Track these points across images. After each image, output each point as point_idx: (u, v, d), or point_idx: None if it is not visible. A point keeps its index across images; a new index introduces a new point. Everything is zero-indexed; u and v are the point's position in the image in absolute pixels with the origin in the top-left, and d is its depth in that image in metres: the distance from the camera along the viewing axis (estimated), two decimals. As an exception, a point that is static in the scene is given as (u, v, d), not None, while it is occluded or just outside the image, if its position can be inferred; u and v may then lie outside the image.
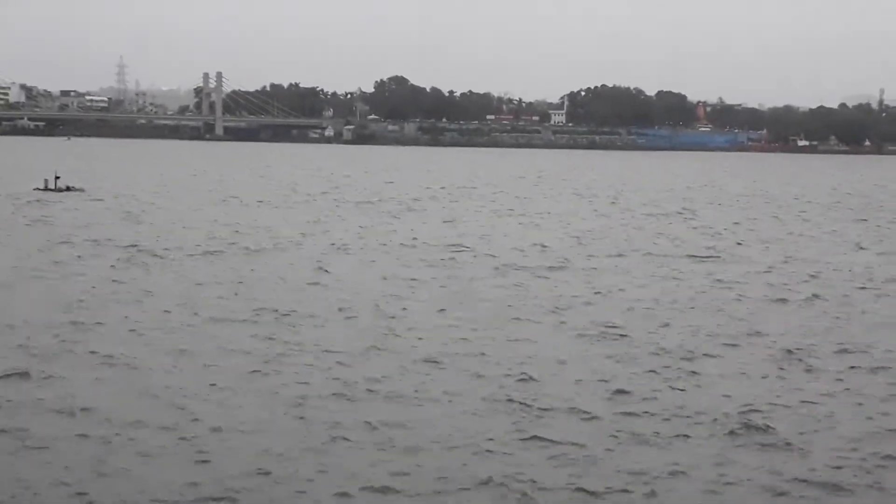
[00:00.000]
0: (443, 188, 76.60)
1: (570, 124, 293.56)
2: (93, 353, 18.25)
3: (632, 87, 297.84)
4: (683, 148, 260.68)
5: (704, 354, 19.64)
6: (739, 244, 40.35)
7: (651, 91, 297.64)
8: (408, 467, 12.88)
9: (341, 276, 28.45)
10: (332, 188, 73.60)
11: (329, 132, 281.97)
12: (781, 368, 18.69)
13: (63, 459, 12.77)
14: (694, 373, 18.11)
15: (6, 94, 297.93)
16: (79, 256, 31.59)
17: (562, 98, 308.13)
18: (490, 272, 30.05)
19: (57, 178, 61.01)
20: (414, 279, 28.15)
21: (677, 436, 14.47)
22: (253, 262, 31.13)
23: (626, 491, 12.37)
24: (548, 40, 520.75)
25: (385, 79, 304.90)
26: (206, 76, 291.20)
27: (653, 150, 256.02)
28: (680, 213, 56.61)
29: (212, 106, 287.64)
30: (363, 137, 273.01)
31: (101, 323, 20.95)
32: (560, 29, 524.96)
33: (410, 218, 49.09)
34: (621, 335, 21.20)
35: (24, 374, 16.64)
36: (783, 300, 26.29)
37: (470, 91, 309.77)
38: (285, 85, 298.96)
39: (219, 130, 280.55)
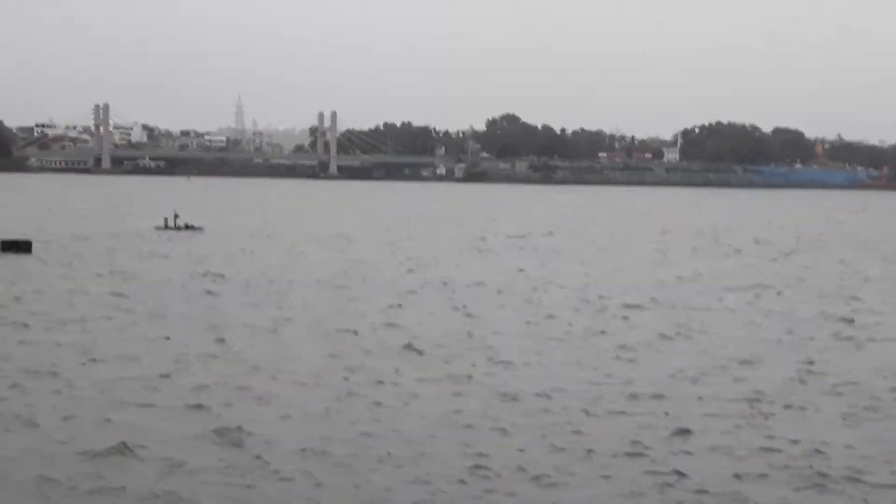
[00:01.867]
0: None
1: (684, 162, 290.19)
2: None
3: (747, 124, 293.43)
4: (801, 186, 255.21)
5: None
6: None
7: (767, 128, 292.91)
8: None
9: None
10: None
11: (441, 170, 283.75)
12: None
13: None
14: None
15: (128, 134, 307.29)
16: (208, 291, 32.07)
17: (675, 135, 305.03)
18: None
19: (176, 216, 62.32)
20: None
21: None
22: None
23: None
24: (661, 76, 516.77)
25: (497, 117, 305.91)
26: (321, 115, 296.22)
27: (769, 187, 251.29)
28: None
29: (326, 145, 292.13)
30: (475, 175, 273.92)
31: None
32: (673, 65, 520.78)
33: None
34: None
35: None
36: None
37: (581, 128, 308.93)
38: (398, 124, 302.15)
39: (333, 169, 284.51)
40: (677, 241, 64.72)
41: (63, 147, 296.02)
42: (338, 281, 36.50)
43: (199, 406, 17.40)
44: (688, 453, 15.42)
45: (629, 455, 15.24)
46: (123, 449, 14.68)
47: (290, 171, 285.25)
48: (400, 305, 30.66)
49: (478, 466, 14.43)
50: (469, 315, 28.74)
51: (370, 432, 16.04)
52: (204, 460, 14.43)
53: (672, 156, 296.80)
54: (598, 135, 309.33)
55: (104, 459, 14.35)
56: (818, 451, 15.64)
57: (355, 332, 25.18)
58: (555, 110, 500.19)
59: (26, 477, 13.55)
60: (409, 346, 23.30)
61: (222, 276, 37.08)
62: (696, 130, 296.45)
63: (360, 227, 70.43)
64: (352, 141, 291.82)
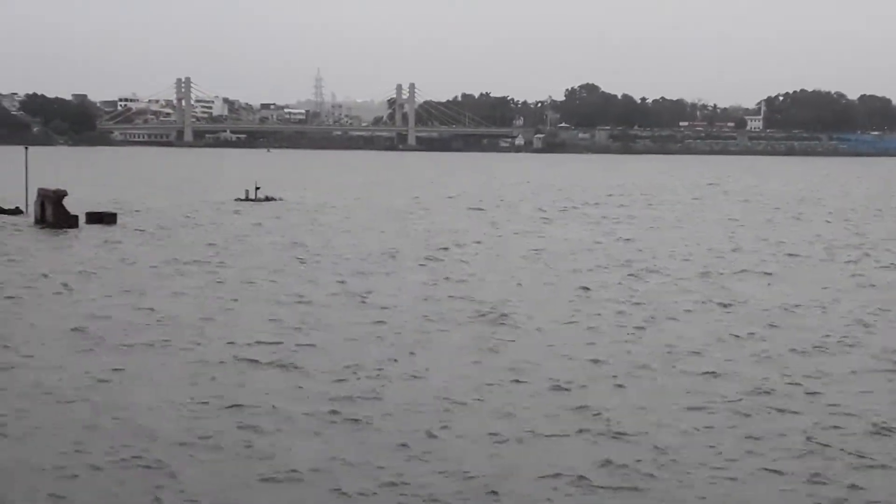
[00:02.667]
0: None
1: (768, 130, 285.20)
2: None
3: (832, 91, 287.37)
4: (888, 154, 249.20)
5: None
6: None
7: (853, 95, 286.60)
8: None
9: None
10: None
11: (519, 141, 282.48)
12: None
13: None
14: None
15: (210, 107, 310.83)
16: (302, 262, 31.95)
17: (758, 103, 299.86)
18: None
19: (257, 188, 62.59)
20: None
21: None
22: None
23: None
24: (743, 44, 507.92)
25: (576, 86, 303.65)
26: (399, 87, 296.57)
27: (855, 155, 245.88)
28: None
29: (404, 117, 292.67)
30: (553, 146, 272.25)
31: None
32: (756, 32, 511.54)
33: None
34: None
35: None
36: None
37: (662, 97, 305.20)
38: (476, 94, 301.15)
39: (411, 141, 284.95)
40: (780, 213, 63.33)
41: (146, 121, 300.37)
42: (432, 253, 36.20)
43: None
44: None
45: None
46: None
47: (368, 143, 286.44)
48: (517, 283, 30.25)
49: None
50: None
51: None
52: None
53: (755, 124, 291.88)
54: (680, 103, 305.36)
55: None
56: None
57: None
58: (635, 79, 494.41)
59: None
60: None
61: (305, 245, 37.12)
62: (780, 98, 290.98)
63: (442, 197, 70.13)
64: (430, 112, 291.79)
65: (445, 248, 37.54)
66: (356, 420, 14.69)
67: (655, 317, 23.36)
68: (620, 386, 16.99)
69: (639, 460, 13.08)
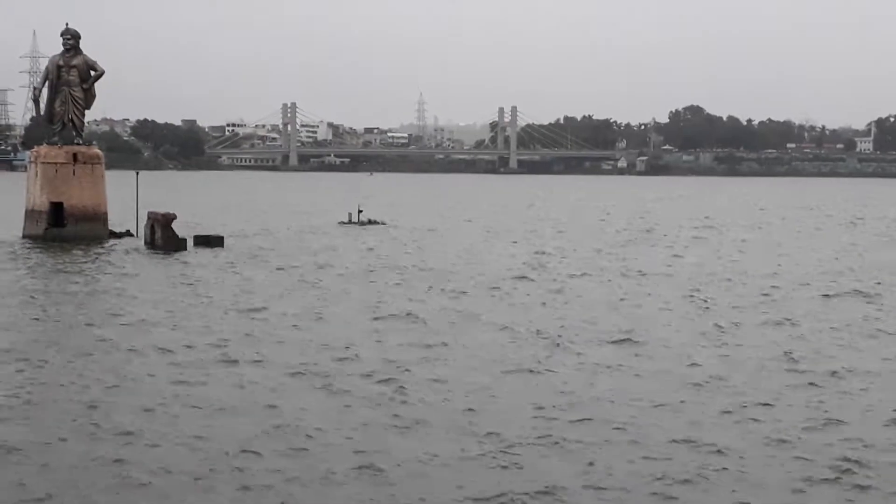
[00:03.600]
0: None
1: (878, 152, 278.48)
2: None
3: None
4: None
5: None
6: None
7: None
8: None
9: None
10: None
11: (622, 163, 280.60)
12: None
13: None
14: None
15: (315, 131, 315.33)
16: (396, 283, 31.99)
17: (868, 125, 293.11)
18: None
19: (360, 211, 62.99)
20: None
21: None
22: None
23: None
24: (853, 63, 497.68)
25: (680, 108, 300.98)
26: (501, 111, 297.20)
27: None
28: None
29: (506, 140, 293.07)
30: (657, 168, 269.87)
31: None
32: (866, 49, 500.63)
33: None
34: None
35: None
36: None
37: (769, 119, 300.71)
38: (579, 117, 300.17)
39: (513, 164, 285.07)
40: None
41: (252, 145, 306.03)
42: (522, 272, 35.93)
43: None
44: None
45: None
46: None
47: (470, 166, 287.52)
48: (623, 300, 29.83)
49: None
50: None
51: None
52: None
53: (865, 146, 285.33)
54: (787, 125, 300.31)
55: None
56: None
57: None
58: (740, 101, 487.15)
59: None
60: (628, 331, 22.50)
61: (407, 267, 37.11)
62: (892, 119, 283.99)
63: (540, 220, 69.85)
64: (532, 135, 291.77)
65: (576, 275, 37.16)
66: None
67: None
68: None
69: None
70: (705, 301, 29.57)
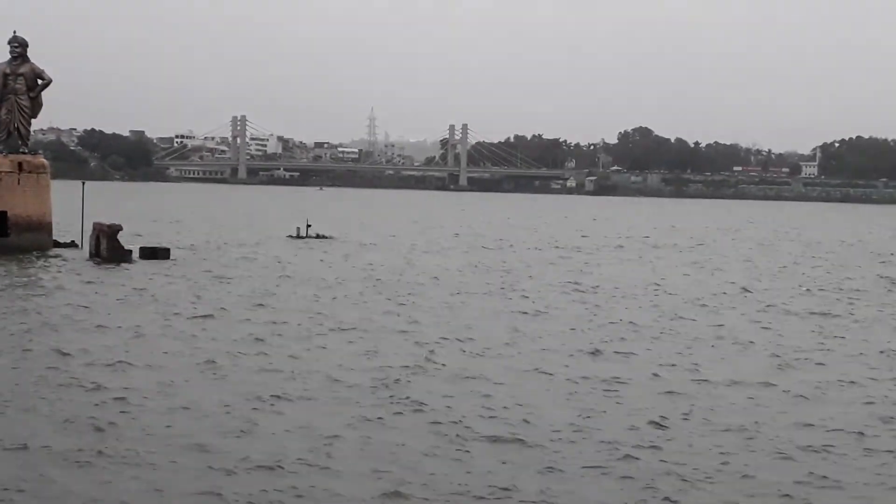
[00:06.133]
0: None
1: (823, 177, 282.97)
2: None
3: (889, 139, 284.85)
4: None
5: None
6: None
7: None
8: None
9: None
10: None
11: (571, 183, 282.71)
12: None
13: None
14: None
15: (264, 145, 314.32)
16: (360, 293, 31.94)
17: (813, 149, 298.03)
18: None
19: (308, 226, 62.84)
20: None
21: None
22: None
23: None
24: (799, 90, 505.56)
25: (629, 130, 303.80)
26: (451, 128, 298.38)
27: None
28: None
29: (457, 157, 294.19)
30: (605, 188, 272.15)
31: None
32: (812, 78, 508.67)
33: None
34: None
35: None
36: None
37: (716, 142, 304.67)
38: (528, 136, 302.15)
39: (463, 181, 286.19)
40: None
41: (201, 157, 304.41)
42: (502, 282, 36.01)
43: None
44: None
45: None
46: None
47: (420, 183, 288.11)
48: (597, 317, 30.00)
49: None
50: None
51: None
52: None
53: (810, 170, 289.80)
54: (734, 148, 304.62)
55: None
56: None
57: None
58: (688, 123, 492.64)
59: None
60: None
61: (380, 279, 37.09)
62: (836, 145, 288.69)
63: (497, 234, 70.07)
64: (482, 153, 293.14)
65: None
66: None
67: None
68: None
69: None
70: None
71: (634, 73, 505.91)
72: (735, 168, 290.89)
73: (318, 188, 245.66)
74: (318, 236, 62.04)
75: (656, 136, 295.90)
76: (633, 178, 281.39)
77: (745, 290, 39.33)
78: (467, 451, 15.03)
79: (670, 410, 18.03)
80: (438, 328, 27.03)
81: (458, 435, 15.88)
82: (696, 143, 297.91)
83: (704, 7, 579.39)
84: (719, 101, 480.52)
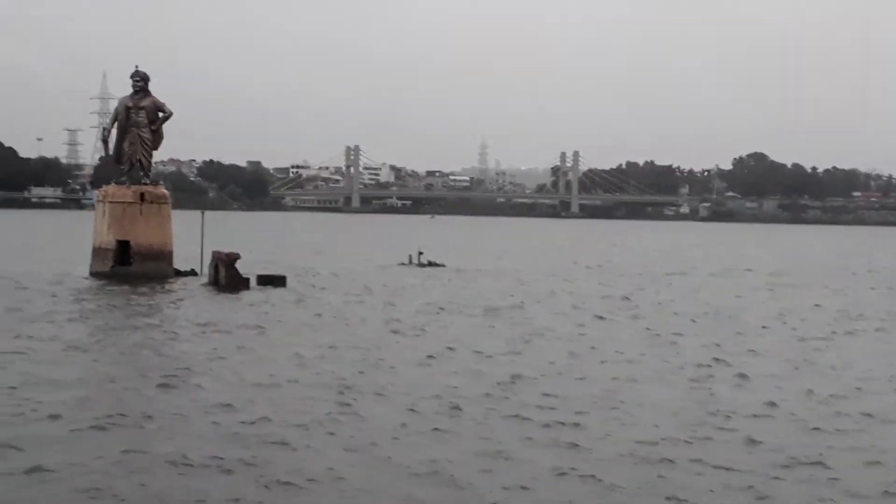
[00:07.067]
0: None
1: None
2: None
3: None
4: None
5: None
6: None
7: None
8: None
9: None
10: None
11: (685, 209, 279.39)
12: None
13: None
14: None
15: (377, 174, 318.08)
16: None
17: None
18: None
19: (420, 253, 63.28)
20: None
21: None
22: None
23: None
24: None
25: (744, 155, 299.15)
26: (563, 155, 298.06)
27: None
28: None
29: (568, 184, 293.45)
30: (720, 214, 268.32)
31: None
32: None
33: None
34: None
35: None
36: None
37: (834, 167, 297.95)
38: (641, 163, 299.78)
39: (574, 208, 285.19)
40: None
41: (316, 187, 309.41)
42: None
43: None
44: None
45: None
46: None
47: (531, 210, 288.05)
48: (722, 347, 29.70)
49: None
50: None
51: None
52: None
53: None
54: (853, 173, 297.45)
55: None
56: None
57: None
58: (805, 148, 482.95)
59: None
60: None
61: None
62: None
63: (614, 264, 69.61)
64: (594, 180, 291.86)
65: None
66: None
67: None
68: None
69: None
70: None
71: (748, 98, 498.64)
72: (854, 193, 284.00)
73: (429, 216, 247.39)
74: (430, 264, 62.40)
75: (772, 161, 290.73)
76: (748, 204, 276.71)
77: None
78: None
79: None
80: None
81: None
82: (814, 168, 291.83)
83: (820, 30, 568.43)
84: (837, 126, 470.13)
